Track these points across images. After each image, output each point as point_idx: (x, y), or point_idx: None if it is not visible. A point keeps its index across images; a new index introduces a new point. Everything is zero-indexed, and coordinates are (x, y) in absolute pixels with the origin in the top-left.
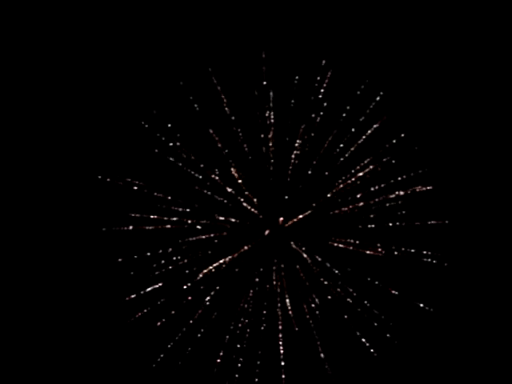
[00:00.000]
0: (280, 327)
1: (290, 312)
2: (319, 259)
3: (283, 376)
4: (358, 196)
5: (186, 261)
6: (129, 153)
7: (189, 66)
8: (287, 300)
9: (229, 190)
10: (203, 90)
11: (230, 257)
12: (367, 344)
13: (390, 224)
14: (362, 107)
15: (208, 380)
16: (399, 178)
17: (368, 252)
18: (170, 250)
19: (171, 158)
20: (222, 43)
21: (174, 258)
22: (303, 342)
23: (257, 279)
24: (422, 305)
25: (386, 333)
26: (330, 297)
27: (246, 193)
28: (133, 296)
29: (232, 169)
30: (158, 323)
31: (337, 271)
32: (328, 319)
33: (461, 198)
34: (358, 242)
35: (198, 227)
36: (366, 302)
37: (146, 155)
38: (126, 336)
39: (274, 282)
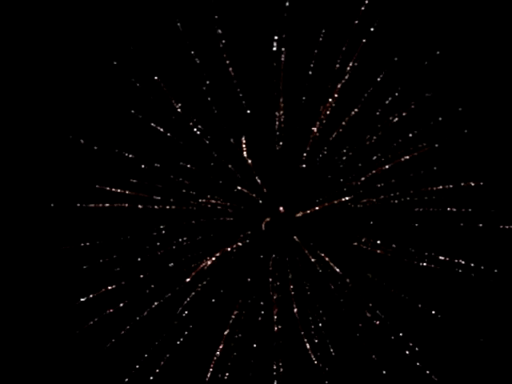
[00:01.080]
0: (275, 328)
1: (295, 313)
2: (325, 258)
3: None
4: (379, 189)
5: (163, 251)
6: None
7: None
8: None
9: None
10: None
11: (217, 254)
12: (374, 357)
13: (417, 224)
14: (400, 76)
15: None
16: (436, 169)
17: (379, 252)
18: (145, 235)
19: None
20: None
21: (148, 247)
22: (300, 351)
23: (249, 279)
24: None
25: (398, 346)
26: (332, 301)
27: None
28: (103, 290)
29: (243, 140)
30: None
31: (340, 272)
32: (328, 327)
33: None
34: (371, 240)
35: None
36: (375, 309)
37: (130, 119)
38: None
39: (270, 284)
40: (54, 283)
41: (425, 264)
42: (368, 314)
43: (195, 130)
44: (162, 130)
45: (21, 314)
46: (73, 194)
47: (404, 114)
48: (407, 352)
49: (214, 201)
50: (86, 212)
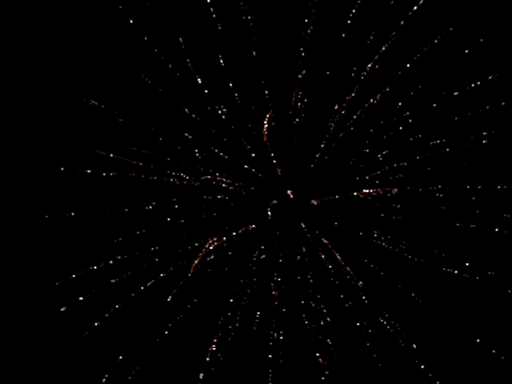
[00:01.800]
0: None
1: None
2: (328, 245)
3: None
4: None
5: (162, 228)
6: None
7: None
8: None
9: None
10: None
11: (219, 235)
12: (375, 355)
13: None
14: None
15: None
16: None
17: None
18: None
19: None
20: None
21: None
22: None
23: (251, 264)
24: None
25: (397, 341)
26: (335, 292)
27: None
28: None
29: (267, 117)
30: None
31: (344, 263)
32: (330, 317)
33: None
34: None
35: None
36: (378, 304)
37: (146, 87)
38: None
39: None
40: (48, 252)
41: (437, 265)
42: (371, 307)
43: (216, 107)
44: (176, 101)
45: (14, 285)
46: (72, 158)
47: (431, 107)
48: (403, 344)
49: (220, 178)
50: (84, 178)
